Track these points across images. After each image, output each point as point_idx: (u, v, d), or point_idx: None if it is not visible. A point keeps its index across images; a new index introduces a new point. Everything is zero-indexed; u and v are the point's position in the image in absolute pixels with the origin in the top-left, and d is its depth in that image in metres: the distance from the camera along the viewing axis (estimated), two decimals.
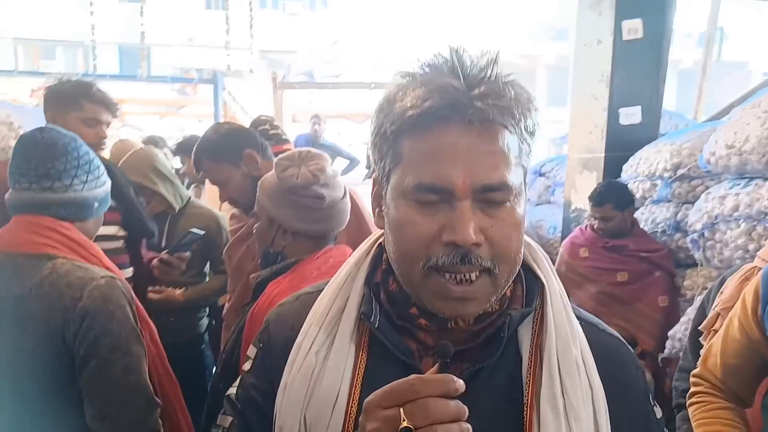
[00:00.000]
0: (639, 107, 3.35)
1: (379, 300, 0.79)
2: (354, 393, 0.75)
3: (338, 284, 0.82)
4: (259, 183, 1.59)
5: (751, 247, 2.29)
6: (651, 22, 3.28)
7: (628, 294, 2.77)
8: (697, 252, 2.57)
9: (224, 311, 2.12)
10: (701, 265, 2.66)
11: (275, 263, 1.51)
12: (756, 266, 1.58)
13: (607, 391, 0.76)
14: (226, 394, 0.88)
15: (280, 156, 1.54)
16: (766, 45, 17.21)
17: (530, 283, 0.80)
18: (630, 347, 0.84)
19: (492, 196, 0.69)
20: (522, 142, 0.71)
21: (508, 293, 0.77)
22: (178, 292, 2.38)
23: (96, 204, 1.53)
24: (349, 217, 1.58)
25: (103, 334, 1.32)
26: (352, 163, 7.48)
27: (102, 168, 1.57)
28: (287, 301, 0.90)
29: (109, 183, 1.60)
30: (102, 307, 1.33)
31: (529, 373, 0.74)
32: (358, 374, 0.76)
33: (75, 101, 2.09)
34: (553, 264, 3.30)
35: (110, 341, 1.32)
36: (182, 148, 4.24)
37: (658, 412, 0.83)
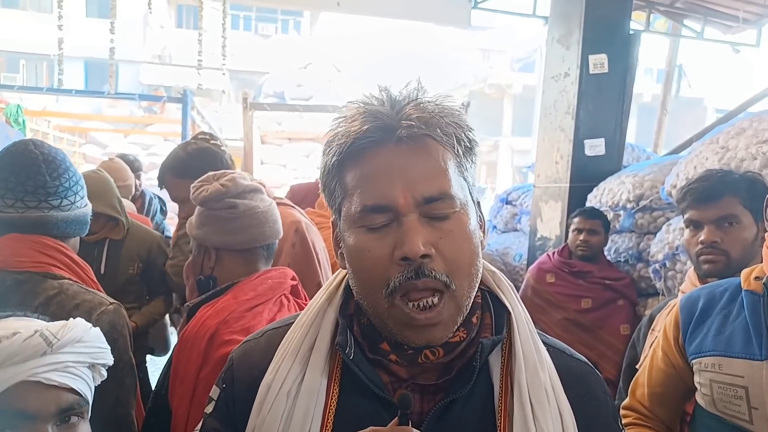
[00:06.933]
0: (603, 139, 3.43)
1: (353, 332, 0.78)
2: (326, 429, 0.73)
3: (310, 318, 0.81)
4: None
5: None
6: (616, 58, 3.39)
7: (591, 321, 2.79)
8: (659, 281, 2.63)
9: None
10: (662, 295, 2.72)
11: (209, 290, 1.45)
12: None
13: (577, 415, 0.77)
14: None
15: (199, 179, 1.52)
16: (719, 83, 18.07)
17: (498, 311, 0.80)
18: (597, 371, 0.85)
19: (436, 207, 0.70)
20: (458, 156, 0.73)
21: (475, 320, 0.77)
22: None
23: (88, 219, 1.47)
24: (279, 229, 1.52)
25: None
26: None
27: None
28: (252, 337, 0.87)
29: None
30: (107, 334, 1.28)
31: (501, 402, 0.75)
32: (330, 410, 0.74)
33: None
34: (519, 290, 3.32)
35: (108, 370, 1.27)
36: None
37: None
